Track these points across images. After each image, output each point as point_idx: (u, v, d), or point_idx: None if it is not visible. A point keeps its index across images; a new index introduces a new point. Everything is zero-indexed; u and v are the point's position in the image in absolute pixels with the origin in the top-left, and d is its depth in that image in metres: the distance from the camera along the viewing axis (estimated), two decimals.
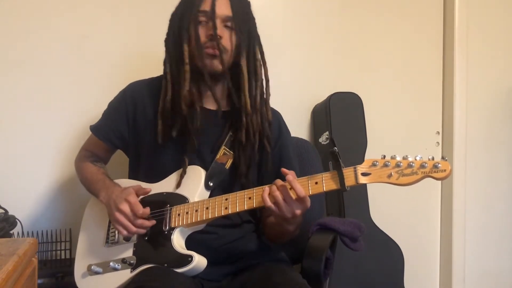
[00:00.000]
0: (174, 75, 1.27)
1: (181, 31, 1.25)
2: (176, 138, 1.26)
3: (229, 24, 1.25)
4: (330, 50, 2.13)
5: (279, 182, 1.12)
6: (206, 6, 1.24)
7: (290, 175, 1.12)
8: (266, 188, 1.13)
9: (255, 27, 1.31)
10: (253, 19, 1.31)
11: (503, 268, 2.34)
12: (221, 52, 1.23)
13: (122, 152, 1.45)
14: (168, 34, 1.31)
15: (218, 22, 1.23)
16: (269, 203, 1.11)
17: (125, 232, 1.19)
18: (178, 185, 1.26)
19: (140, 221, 1.18)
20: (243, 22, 1.27)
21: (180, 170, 1.28)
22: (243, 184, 1.29)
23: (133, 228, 1.18)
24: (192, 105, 1.25)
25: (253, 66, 1.28)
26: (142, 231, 1.19)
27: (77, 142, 1.55)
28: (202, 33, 1.24)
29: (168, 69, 1.28)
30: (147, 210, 1.19)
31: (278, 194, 1.11)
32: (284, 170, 1.14)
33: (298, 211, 1.12)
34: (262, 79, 1.30)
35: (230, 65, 1.27)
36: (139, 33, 1.83)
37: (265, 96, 1.31)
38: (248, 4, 1.32)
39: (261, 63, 1.31)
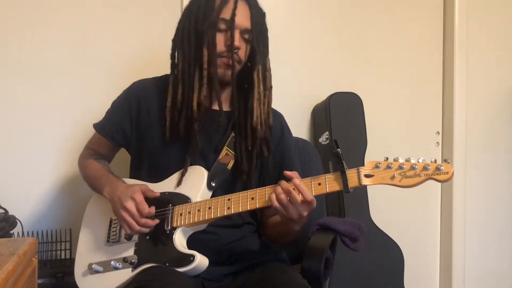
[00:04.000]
0: (186, 75, 1.25)
1: (200, 34, 1.23)
2: (180, 137, 1.26)
3: (246, 36, 1.25)
4: (330, 50, 2.13)
5: (284, 184, 1.12)
6: (226, 14, 1.22)
7: (296, 178, 1.12)
8: (273, 188, 1.13)
9: (268, 38, 1.31)
10: (267, 30, 1.31)
11: (503, 269, 2.34)
12: (237, 64, 1.23)
13: (124, 151, 1.45)
14: (182, 30, 1.28)
15: (237, 33, 1.22)
16: (275, 203, 1.11)
17: (129, 231, 1.20)
18: (179, 183, 1.26)
19: (144, 220, 1.18)
20: (261, 35, 1.27)
21: (182, 171, 1.27)
22: (244, 182, 1.29)
23: (137, 227, 1.18)
24: (201, 107, 1.25)
25: (264, 76, 1.28)
26: (145, 230, 1.20)
27: (78, 142, 1.54)
28: (221, 41, 1.23)
29: (180, 66, 1.26)
30: (153, 209, 1.20)
31: (283, 197, 1.10)
32: (286, 173, 1.13)
33: (304, 213, 1.12)
34: (271, 87, 1.30)
35: (239, 73, 1.27)
36: (141, 32, 1.83)
37: (270, 103, 1.31)
38: (264, 15, 1.31)
39: (270, 72, 1.31)
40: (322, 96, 2.05)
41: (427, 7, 2.27)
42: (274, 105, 1.43)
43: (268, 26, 1.31)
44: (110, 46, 1.81)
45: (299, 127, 2.07)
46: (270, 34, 1.31)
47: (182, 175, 1.27)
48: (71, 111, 1.77)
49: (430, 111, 2.29)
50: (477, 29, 2.25)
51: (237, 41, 1.22)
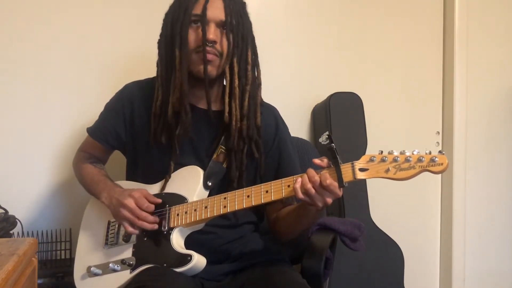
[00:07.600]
0: (164, 80, 1.25)
1: (173, 35, 1.22)
2: (167, 141, 1.26)
3: (223, 27, 1.22)
4: (330, 50, 2.12)
5: (311, 172, 1.09)
6: (198, 10, 1.20)
7: (323, 163, 1.09)
8: (298, 179, 1.10)
9: (250, 29, 1.27)
10: (248, 20, 1.27)
11: (503, 268, 2.34)
12: (216, 57, 1.21)
13: (120, 152, 1.45)
14: (161, 35, 1.28)
15: (213, 26, 1.20)
16: (300, 195, 1.09)
17: (130, 229, 1.20)
18: (162, 189, 1.26)
19: (144, 214, 1.18)
20: (237, 25, 1.23)
21: (178, 171, 1.28)
22: (238, 180, 1.27)
23: (138, 221, 1.18)
24: (180, 111, 1.22)
25: (244, 70, 1.24)
26: (147, 225, 1.19)
27: (77, 142, 1.54)
28: (194, 37, 1.21)
29: (159, 72, 1.27)
30: (152, 205, 1.20)
31: (310, 186, 1.08)
32: (315, 160, 1.11)
33: (329, 200, 1.08)
34: (253, 83, 1.26)
35: (224, 68, 1.24)
36: (139, 33, 1.83)
37: (255, 100, 1.27)
38: (243, 5, 1.27)
39: (253, 66, 1.26)
40: (322, 96, 2.05)
41: (427, 7, 2.26)
42: (274, 105, 1.43)
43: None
44: (106, 47, 1.80)
45: (299, 127, 2.07)
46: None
47: (166, 181, 1.27)
48: (70, 111, 1.77)
49: (430, 111, 2.29)
50: (477, 29, 2.25)
51: (212, 34, 1.19)
